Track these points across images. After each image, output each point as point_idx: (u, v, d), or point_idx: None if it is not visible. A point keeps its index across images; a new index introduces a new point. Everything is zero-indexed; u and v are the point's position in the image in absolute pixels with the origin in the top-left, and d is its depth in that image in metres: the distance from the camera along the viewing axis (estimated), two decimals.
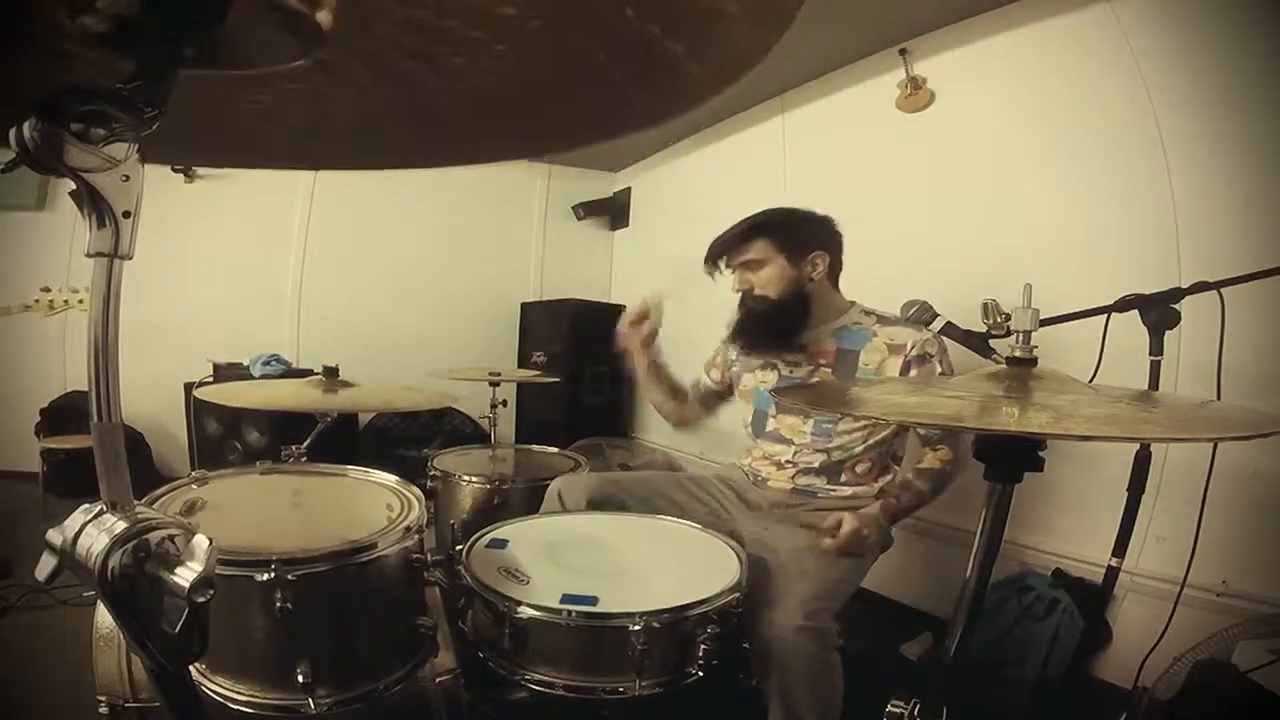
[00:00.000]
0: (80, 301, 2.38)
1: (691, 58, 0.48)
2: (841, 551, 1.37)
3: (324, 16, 0.44)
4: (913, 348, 1.53)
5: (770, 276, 1.58)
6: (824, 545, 1.37)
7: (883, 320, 1.61)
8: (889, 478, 1.64)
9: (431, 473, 1.95)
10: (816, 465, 1.62)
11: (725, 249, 1.63)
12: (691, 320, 1.98)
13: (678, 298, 1.77)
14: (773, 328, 1.62)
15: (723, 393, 1.86)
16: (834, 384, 1.53)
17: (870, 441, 1.59)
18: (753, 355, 1.73)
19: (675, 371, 1.85)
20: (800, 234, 1.61)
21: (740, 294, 1.65)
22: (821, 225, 1.64)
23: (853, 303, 1.68)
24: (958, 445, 1.52)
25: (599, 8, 0.43)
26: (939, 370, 1.54)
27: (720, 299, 1.75)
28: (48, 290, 2.38)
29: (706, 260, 1.66)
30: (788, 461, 1.65)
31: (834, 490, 1.61)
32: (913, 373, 1.53)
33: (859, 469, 1.62)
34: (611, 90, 0.52)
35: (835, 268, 1.66)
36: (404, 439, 3.72)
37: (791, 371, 1.67)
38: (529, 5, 0.43)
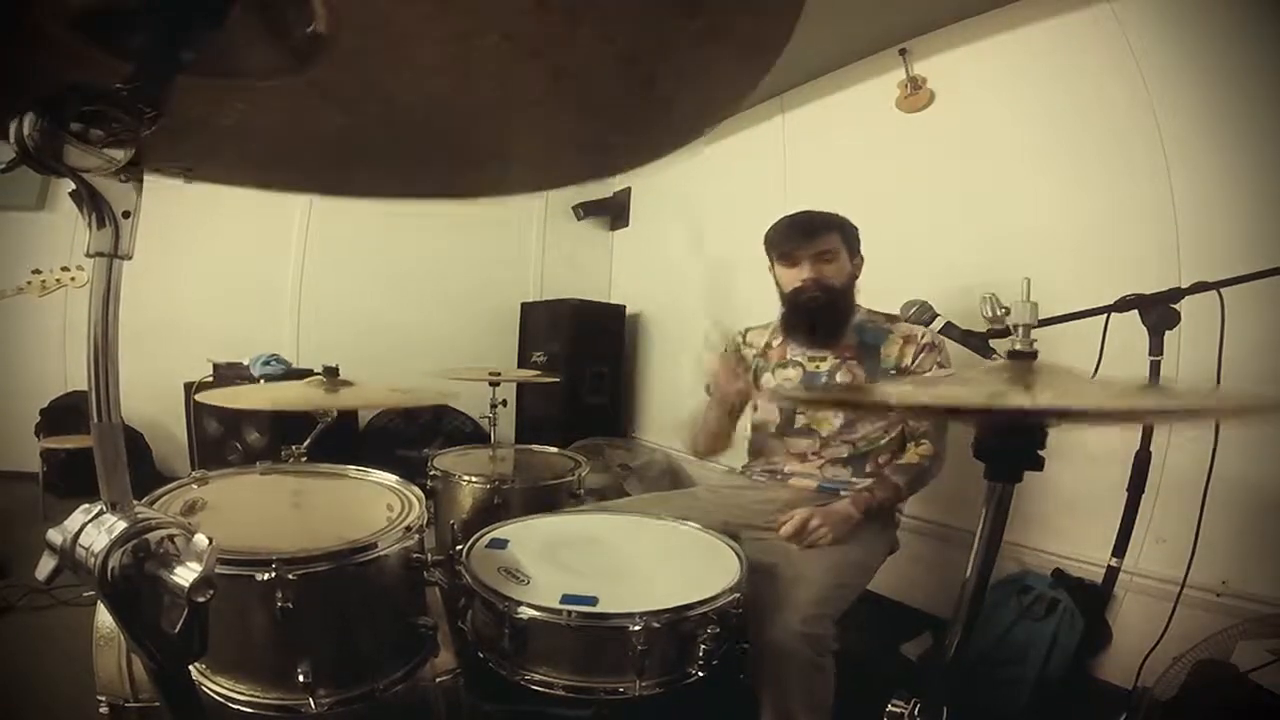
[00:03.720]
0: (72, 279, 2.36)
1: (681, 92, 0.48)
2: (793, 540, 1.43)
3: (319, 25, 0.44)
4: (923, 337, 1.62)
5: (838, 270, 1.65)
6: (780, 534, 1.44)
7: (890, 319, 1.68)
8: None
9: (431, 473, 1.95)
10: (845, 455, 1.64)
11: (804, 238, 1.64)
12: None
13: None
14: (835, 318, 1.68)
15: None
16: (868, 384, 1.55)
17: (892, 435, 1.64)
18: (804, 346, 1.74)
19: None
20: (854, 235, 1.71)
21: (800, 285, 1.64)
22: (857, 230, 1.72)
23: (859, 306, 1.73)
24: (939, 442, 1.59)
25: (588, 43, 0.44)
26: (937, 359, 1.61)
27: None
28: (39, 272, 2.36)
29: (782, 246, 1.68)
30: (814, 454, 1.66)
31: (858, 485, 1.62)
32: (922, 357, 1.61)
33: (882, 460, 1.64)
34: (600, 126, 0.52)
35: None
36: (404, 439, 3.71)
37: (817, 367, 1.70)
38: (514, 36, 0.43)
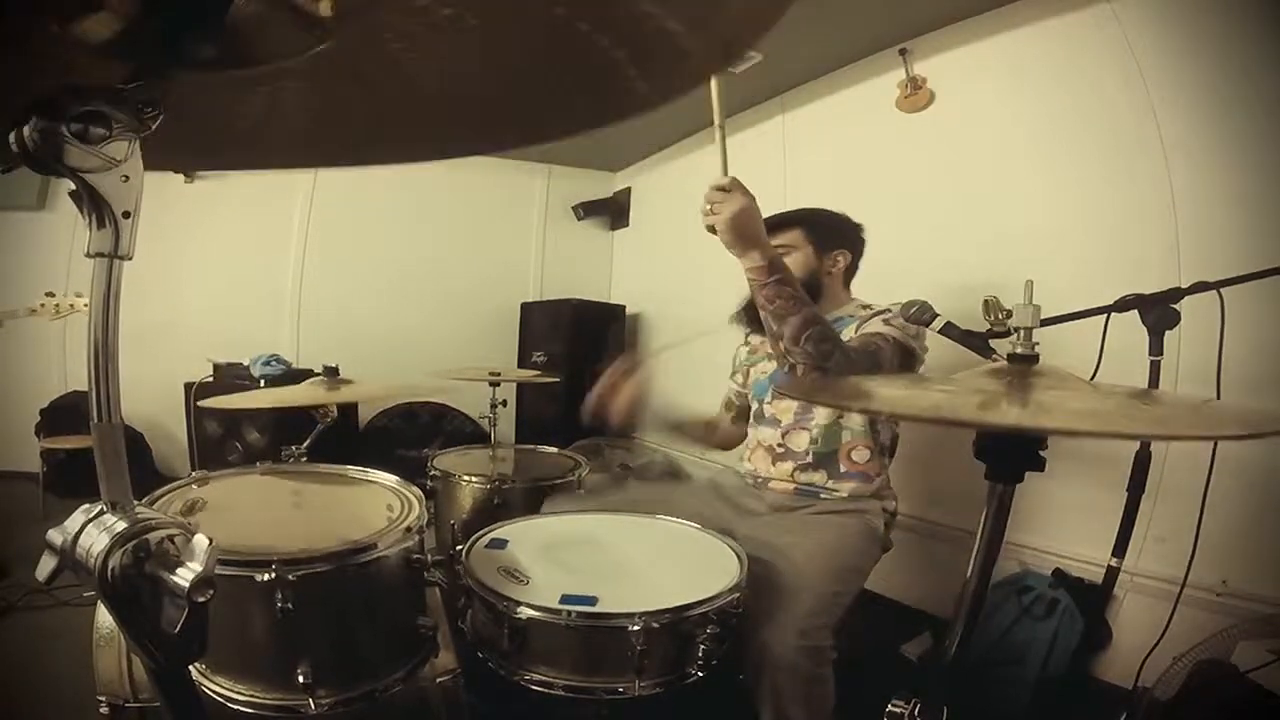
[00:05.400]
0: (86, 305, 2.39)
1: (637, 70, 0.48)
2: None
3: (323, 7, 0.43)
4: (885, 311, 1.55)
5: (794, 263, 1.62)
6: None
7: (879, 313, 1.62)
8: (887, 461, 1.67)
9: (431, 473, 1.95)
10: (811, 458, 1.62)
11: None
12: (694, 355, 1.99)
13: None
14: None
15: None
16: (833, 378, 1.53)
17: (849, 423, 1.60)
18: (756, 335, 1.77)
19: (686, 399, 1.84)
20: (831, 231, 1.69)
21: None
22: (851, 227, 1.72)
23: (854, 300, 1.72)
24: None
25: (537, 12, 0.43)
26: (886, 320, 1.52)
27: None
28: (52, 295, 2.39)
29: None
30: (779, 445, 1.66)
31: (836, 489, 1.61)
32: (872, 322, 1.55)
33: (855, 455, 1.61)
34: (607, 68, 0.52)
35: (852, 269, 1.74)
36: (404, 439, 3.71)
37: None
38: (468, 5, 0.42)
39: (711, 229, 1.27)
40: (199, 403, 1.47)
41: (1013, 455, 0.69)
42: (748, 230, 1.26)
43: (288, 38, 0.46)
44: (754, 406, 1.78)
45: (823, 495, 1.61)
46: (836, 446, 1.61)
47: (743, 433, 1.84)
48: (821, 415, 1.62)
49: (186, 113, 0.46)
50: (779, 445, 1.66)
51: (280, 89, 0.52)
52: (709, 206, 1.27)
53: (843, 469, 1.61)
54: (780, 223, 1.67)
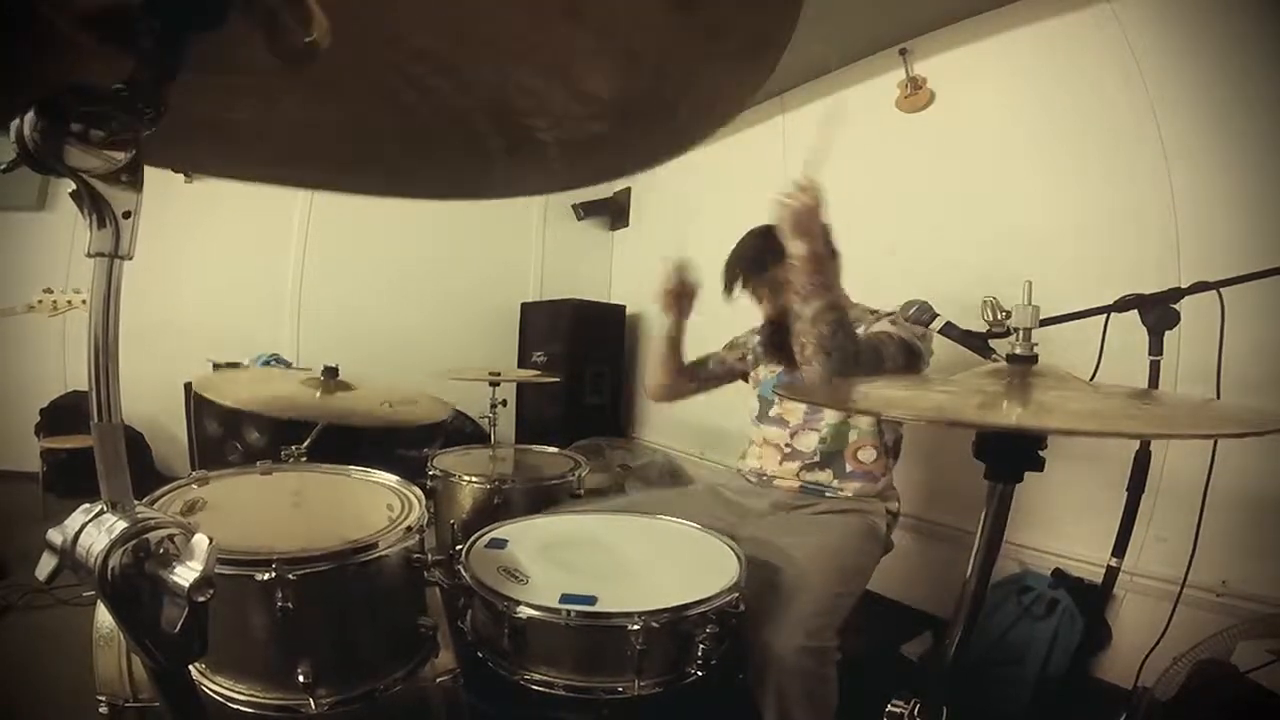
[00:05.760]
0: (84, 302, 2.40)
1: (685, 95, 0.48)
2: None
3: (316, 38, 0.43)
4: (891, 314, 1.57)
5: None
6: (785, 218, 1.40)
7: (882, 315, 1.65)
8: (892, 462, 1.67)
9: (431, 473, 1.95)
10: (818, 458, 1.62)
11: (750, 270, 1.70)
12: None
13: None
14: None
15: (729, 374, 1.90)
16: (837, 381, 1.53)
17: (857, 423, 1.61)
18: (784, 364, 1.76)
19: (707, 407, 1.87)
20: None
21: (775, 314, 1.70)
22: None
23: (857, 305, 1.72)
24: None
25: (588, 46, 0.44)
26: (893, 320, 1.54)
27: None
28: (50, 291, 2.39)
29: (728, 285, 1.72)
30: (787, 445, 1.67)
31: (841, 489, 1.61)
32: (880, 323, 1.58)
33: (861, 455, 1.62)
34: (602, 131, 0.52)
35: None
36: (404, 439, 3.71)
37: None
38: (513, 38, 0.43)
39: (780, 216, 1.39)
40: (196, 389, 1.47)
41: (1012, 455, 0.69)
42: (805, 226, 1.40)
43: (272, 56, 0.46)
44: (759, 406, 1.78)
45: (827, 494, 1.61)
46: (844, 446, 1.62)
47: (682, 391, 1.88)
48: (831, 414, 1.62)
49: (185, 113, 0.46)
50: (786, 445, 1.67)
51: (277, 100, 0.52)
52: (785, 197, 1.40)
53: (849, 468, 1.61)
54: (773, 255, 1.61)
